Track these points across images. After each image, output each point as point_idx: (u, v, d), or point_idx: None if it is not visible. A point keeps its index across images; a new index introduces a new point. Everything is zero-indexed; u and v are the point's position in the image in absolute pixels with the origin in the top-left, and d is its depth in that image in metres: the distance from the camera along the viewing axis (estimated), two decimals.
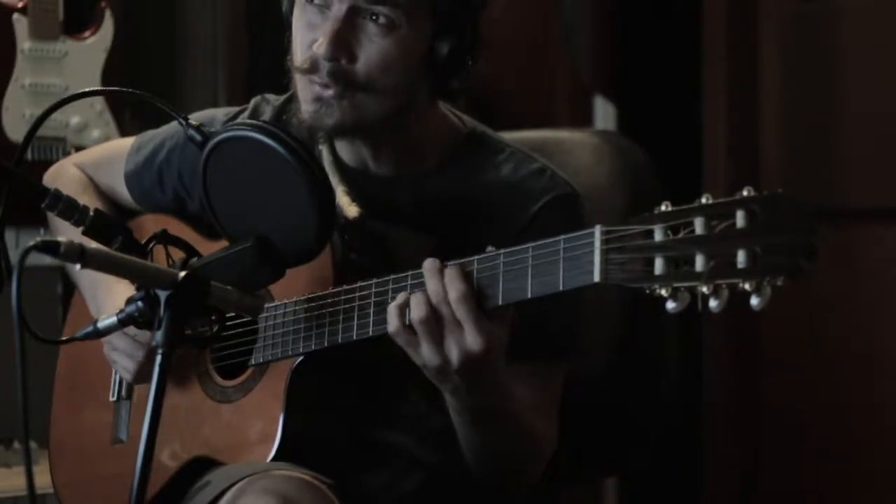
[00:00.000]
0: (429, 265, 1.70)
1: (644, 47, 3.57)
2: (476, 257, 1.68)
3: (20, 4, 3.17)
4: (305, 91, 1.87)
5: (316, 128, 1.89)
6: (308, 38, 1.85)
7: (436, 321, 1.68)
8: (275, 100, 2.05)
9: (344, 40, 1.82)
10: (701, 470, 3.45)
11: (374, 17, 1.82)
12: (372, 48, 1.82)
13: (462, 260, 1.69)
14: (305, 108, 1.87)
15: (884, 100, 3.17)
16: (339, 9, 1.82)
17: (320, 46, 1.82)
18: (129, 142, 2.18)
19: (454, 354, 1.68)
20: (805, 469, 3.29)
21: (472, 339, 1.67)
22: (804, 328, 3.24)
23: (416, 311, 1.69)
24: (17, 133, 3.13)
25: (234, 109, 2.09)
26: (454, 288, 1.67)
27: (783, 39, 3.33)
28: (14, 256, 1.70)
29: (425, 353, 1.70)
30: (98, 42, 3.27)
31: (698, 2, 3.42)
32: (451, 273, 1.68)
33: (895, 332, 3.16)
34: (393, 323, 1.71)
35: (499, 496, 1.94)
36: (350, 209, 1.89)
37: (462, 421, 1.82)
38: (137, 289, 1.69)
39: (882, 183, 3.19)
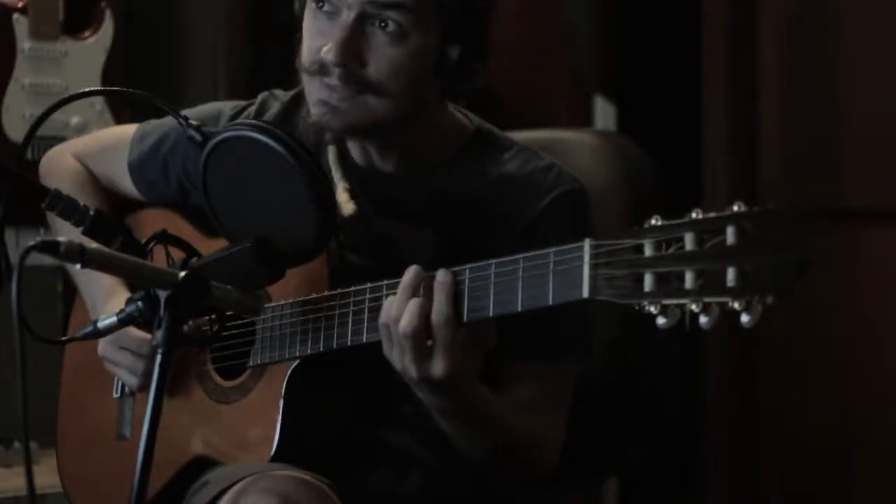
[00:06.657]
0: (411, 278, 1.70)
1: (644, 47, 3.56)
2: (468, 266, 1.67)
3: (20, 4, 3.17)
4: (312, 93, 1.87)
5: (323, 129, 1.89)
6: (317, 42, 1.84)
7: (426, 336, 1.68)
8: (283, 96, 2.04)
9: (353, 47, 1.81)
10: (701, 470, 3.45)
11: (382, 25, 1.81)
12: (382, 56, 1.82)
13: (455, 269, 1.68)
14: (313, 110, 1.87)
15: (884, 100, 3.17)
16: (347, 16, 1.81)
17: (328, 52, 1.82)
18: (128, 130, 2.15)
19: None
20: (806, 469, 3.29)
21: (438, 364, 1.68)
22: (804, 329, 3.23)
23: (406, 322, 1.68)
24: (17, 133, 3.13)
25: (242, 103, 2.07)
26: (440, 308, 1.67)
27: (783, 39, 3.32)
28: (14, 256, 1.70)
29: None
30: (98, 42, 3.26)
31: (698, 1, 3.41)
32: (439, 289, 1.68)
33: (895, 332, 3.16)
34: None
35: (499, 497, 1.93)
36: (347, 206, 1.88)
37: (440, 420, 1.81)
38: (137, 289, 1.69)
39: (882, 183, 3.18)
